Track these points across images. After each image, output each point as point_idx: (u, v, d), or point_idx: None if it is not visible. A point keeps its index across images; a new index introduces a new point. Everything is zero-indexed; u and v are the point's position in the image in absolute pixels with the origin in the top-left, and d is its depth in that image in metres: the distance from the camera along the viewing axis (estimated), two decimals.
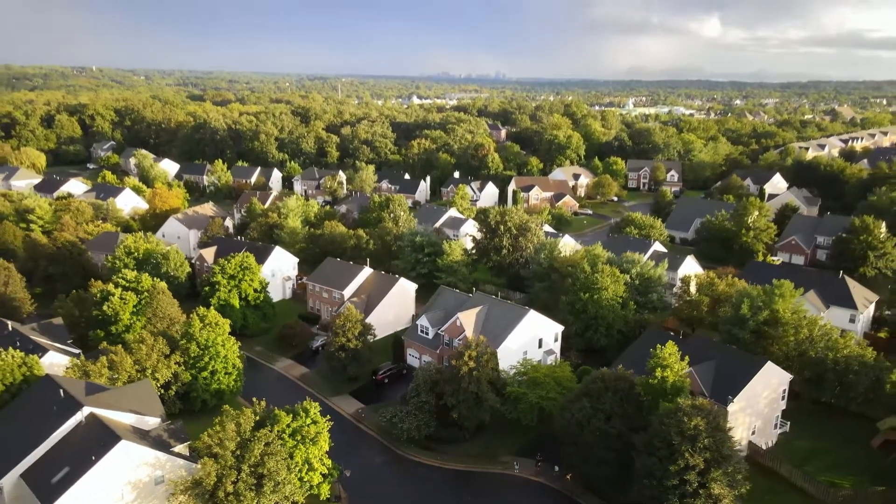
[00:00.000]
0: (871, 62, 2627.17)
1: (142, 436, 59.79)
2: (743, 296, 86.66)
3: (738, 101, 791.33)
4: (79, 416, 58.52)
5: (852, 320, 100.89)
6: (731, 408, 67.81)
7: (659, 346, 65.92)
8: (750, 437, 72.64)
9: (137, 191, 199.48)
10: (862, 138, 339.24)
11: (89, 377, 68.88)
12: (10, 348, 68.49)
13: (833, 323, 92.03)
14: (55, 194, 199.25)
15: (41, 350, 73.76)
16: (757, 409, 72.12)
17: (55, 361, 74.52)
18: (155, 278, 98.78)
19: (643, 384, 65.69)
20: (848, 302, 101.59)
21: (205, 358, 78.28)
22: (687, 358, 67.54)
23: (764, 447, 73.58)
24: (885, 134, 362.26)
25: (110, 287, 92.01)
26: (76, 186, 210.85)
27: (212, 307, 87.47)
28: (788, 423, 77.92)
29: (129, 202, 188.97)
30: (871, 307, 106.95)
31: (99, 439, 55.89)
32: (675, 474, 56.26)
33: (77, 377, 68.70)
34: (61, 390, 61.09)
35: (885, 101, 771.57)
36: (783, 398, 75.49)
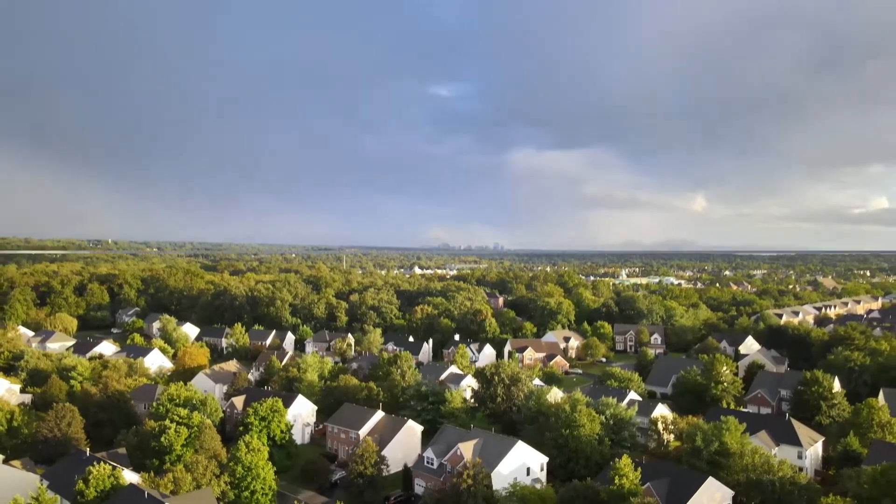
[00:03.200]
0: (856, 235, 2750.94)
1: None
2: (696, 429, 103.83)
3: (727, 272, 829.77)
4: None
5: (800, 456, 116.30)
6: None
7: (616, 459, 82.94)
8: None
9: (163, 351, 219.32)
10: (836, 306, 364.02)
11: (158, 489, 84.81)
12: (102, 462, 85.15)
13: (782, 458, 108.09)
14: (88, 355, 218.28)
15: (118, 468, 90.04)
16: None
17: (127, 478, 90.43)
18: (203, 415, 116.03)
19: (606, 491, 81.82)
20: (794, 440, 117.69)
21: (248, 478, 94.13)
22: (639, 470, 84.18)
23: None
24: (858, 302, 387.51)
25: (167, 422, 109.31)
26: (107, 347, 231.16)
27: (254, 437, 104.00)
28: None
29: (156, 361, 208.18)
30: (819, 447, 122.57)
31: None
32: None
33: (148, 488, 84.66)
34: (146, 492, 77.47)
35: (868, 273, 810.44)
36: None
